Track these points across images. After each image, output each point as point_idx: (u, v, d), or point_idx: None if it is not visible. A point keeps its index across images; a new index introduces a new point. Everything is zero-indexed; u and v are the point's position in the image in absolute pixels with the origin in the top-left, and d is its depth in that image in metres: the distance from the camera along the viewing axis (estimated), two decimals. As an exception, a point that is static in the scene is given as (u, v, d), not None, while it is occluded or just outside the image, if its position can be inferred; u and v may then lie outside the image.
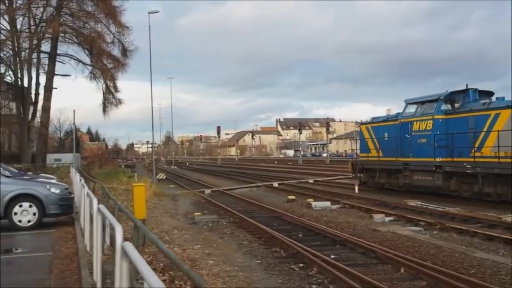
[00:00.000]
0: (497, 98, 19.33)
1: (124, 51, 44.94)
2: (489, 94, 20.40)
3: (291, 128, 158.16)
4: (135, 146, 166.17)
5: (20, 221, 11.79)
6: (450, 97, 20.29)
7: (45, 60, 43.99)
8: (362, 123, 28.46)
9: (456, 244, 11.03)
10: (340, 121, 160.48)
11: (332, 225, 14.07)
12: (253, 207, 19.42)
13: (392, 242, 11.45)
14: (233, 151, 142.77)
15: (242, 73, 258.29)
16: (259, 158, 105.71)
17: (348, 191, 23.41)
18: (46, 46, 44.02)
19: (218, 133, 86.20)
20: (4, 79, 43.31)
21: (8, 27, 40.89)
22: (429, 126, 20.35)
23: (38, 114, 44.84)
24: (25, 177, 15.06)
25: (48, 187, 12.41)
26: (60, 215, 12.67)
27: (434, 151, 19.70)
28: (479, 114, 18.39)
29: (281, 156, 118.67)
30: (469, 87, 20.30)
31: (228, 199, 22.77)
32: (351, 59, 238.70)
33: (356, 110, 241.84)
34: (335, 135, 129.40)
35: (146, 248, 9.46)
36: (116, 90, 47.76)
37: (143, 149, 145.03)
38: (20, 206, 11.81)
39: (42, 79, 43.80)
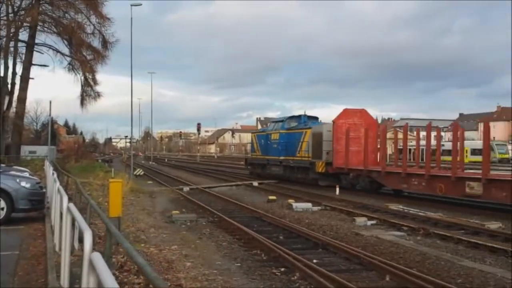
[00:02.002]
0: (313, 122, 29.54)
1: (105, 43, 43.96)
2: (315, 118, 30.92)
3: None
4: (113, 140, 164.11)
5: (-14, 216, 11.16)
6: (290, 119, 31.16)
7: (22, 49, 42.74)
8: (252, 132, 41.45)
9: (441, 251, 10.78)
10: (321, 121, 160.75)
11: (314, 228, 13.76)
12: (232, 206, 19.02)
13: (376, 247, 11.16)
14: (212, 148, 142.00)
15: (227, 71, 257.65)
16: (239, 156, 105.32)
17: (329, 192, 23.15)
18: (24, 35, 42.75)
19: (198, 130, 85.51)
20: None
21: (-15, 14, 39.66)
22: (277, 137, 31.27)
23: (14, 104, 43.66)
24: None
25: (18, 180, 11.79)
26: (30, 210, 12.06)
27: (279, 152, 30.50)
28: (300, 131, 28.81)
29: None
30: (306, 113, 31.07)
31: (207, 198, 22.33)
32: (338, 61, 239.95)
33: (337, 111, 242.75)
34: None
35: (121, 247, 8.96)
36: (95, 82, 46.69)
37: (121, 144, 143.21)
38: (-13, 200, 11.18)
39: (19, 69, 42.62)
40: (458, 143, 19.44)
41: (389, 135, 35.38)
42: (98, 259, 2.89)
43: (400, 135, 27.04)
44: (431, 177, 19.30)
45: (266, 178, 31.34)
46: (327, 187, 25.15)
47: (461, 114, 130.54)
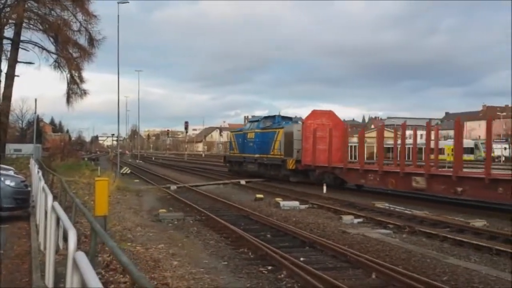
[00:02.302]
0: (287, 122, 30.85)
1: (91, 41, 43.53)
2: (289, 118, 32.45)
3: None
4: (99, 138, 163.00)
5: (-30, 214, 11.01)
6: (265, 119, 33.02)
7: (7, 46, 42.11)
8: (231, 131, 43.54)
9: (426, 248, 10.86)
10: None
11: (301, 226, 13.78)
12: (220, 205, 18.99)
13: (362, 245, 11.21)
14: (200, 147, 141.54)
15: (215, 70, 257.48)
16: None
17: (317, 191, 23.21)
18: (9, 32, 42.17)
19: (186, 128, 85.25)
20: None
21: (-31, 11, 39.11)
22: (253, 136, 32.88)
23: (-1, 102, 43.04)
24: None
25: (2, 179, 11.65)
26: (15, 209, 11.91)
27: (255, 151, 32.06)
28: (274, 131, 30.31)
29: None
30: (281, 114, 33.56)
31: (194, 196, 22.26)
32: (325, 61, 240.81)
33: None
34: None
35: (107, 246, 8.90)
36: (82, 80, 46.17)
37: (108, 142, 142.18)
38: (-29, 198, 11.04)
39: (4, 66, 42.07)
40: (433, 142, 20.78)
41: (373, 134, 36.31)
42: (82, 258, 2.85)
43: (390, 134, 27.43)
44: (384, 173, 21.24)
45: (243, 175, 32.69)
46: (299, 183, 27.01)
47: (447, 113, 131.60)
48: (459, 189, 17.23)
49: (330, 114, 28.13)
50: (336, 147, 25.90)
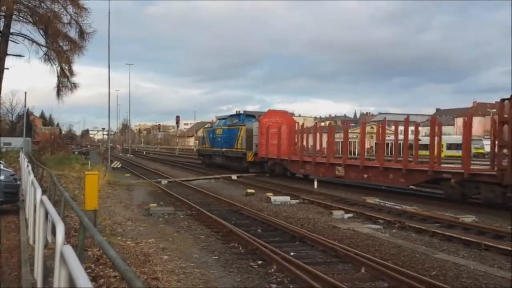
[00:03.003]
0: (250, 120, 34.36)
1: (82, 33, 43.04)
2: (253, 116, 35.47)
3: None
4: (90, 132, 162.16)
5: (-41, 208, 10.93)
6: (232, 117, 36.77)
7: (-3, 39, 41.84)
8: (204, 128, 52.23)
9: (415, 244, 10.93)
10: (300, 115, 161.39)
11: (291, 221, 13.81)
12: (211, 199, 18.98)
13: (352, 240, 11.27)
14: (191, 141, 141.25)
15: (208, 65, 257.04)
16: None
17: (308, 186, 23.27)
18: (-2, 25, 41.86)
19: (177, 123, 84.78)
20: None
21: (-42, 2, 38.65)
22: (221, 132, 36.74)
23: (-12, 95, 42.68)
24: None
25: (-9, 173, 11.57)
26: (4, 203, 11.85)
27: (222, 145, 35.99)
28: (238, 127, 34.10)
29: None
30: (247, 112, 37.89)
31: (185, 191, 22.24)
32: (318, 56, 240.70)
33: (317, 106, 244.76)
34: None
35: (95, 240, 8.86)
36: (72, 73, 45.62)
37: (98, 136, 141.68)
38: (-40, 192, 10.95)
39: (-7, 59, 41.67)
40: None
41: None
42: (69, 252, 2.84)
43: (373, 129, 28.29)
44: (316, 163, 25.40)
45: (213, 166, 37.72)
46: (258, 173, 30.67)
47: (437, 109, 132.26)
48: (365, 175, 21.76)
49: (282, 113, 32.92)
50: (284, 142, 29.78)
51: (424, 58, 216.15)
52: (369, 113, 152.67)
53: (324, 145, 28.51)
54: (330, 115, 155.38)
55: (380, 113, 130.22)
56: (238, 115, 37.16)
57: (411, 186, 21.08)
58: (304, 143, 28.81)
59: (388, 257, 9.59)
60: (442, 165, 20.17)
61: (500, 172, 15.26)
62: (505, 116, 15.45)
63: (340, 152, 37.14)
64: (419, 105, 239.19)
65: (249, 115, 36.15)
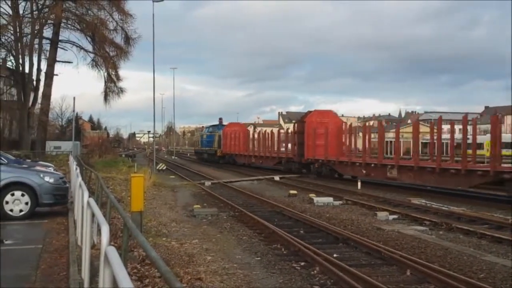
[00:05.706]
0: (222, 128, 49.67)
1: (127, 39, 44.42)
2: (225, 125, 49.89)
3: (293, 121, 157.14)
4: (136, 135, 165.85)
5: (11, 210, 11.34)
6: (213, 127, 52.78)
7: (46, 46, 43.43)
8: (199, 133, 65.56)
9: (463, 246, 10.63)
10: (343, 116, 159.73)
11: (334, 222, 13.69)
12: (253, 200, 19.05)
13: (397, 242, 11.07)
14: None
15: (250, 66, 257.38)
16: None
17: (351, 187, 23.00)
18: (48, 32, 43.43)
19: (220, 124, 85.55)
20: (6, 65, 42.86)
21: (10, 12, 40.39)
22: (206, 137, 54.57)
23: (39, 100, 44.36)
24: (20, 165, 14.71)
25: (41, 175, 11.98)
26: (54, 205, 12.24)
27: (206, 146, 53.47)
28: (214, 134, 50.61)
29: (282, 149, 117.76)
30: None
31: (228, 192, 22.41)
32: (362, 54, 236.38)
33: (362, 105, 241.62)
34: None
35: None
36: (118, 78, 47.20)
37: (144, 138, 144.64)
38: (12, 195, 11.36)
39: (43, 66, 43.32)
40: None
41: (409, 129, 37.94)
42: (113, 253, 2.93)
43: (426, 129, 27.53)
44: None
45: (202, 161, 54.25)
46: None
47: (486, 107, 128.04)
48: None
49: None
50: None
51: (471, 54, 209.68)
52: (415, 112, 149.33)
53: (372, 145, 28.39)
54: (374, 115, 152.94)
55: (426, 112, 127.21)
56: (217, 125, 51.88)
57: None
58: (353, 143, 28.83)
59: (434, 259, 9.37)
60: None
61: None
62: None
63: (391, 152, 37.17)
64: (466, 103, 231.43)
65: (223, 125, 50.29)
